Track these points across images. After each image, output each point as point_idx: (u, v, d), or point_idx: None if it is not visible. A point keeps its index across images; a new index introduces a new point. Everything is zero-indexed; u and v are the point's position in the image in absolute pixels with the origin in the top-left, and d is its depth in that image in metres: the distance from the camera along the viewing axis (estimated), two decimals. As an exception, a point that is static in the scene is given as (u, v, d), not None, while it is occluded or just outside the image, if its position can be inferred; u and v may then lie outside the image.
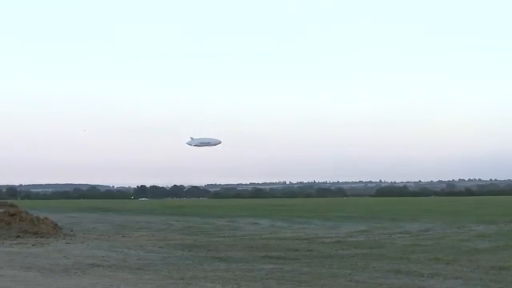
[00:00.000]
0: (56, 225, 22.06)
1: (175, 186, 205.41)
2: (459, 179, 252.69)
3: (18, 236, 19.11)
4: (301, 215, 37.12)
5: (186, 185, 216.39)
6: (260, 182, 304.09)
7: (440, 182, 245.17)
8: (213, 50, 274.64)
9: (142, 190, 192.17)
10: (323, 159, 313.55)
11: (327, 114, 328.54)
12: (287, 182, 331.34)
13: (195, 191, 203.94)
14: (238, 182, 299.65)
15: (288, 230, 24.07)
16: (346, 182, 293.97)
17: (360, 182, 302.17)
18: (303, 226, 26.22)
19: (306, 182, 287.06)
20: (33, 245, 16.91)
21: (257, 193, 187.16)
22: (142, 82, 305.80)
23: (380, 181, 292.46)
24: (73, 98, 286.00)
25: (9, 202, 23.41)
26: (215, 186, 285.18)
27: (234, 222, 30.43)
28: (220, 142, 66.95)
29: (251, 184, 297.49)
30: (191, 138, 66.54)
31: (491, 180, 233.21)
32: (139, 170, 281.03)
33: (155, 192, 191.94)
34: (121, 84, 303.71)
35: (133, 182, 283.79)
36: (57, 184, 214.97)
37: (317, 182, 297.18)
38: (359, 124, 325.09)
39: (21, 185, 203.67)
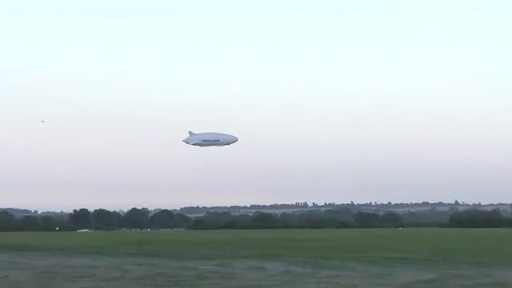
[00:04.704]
0: None
1: (135, 209, 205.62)
2: None
3: None
4: (331, 256, 36.89)
5: (151, 208, 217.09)
6: (267, 205, 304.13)
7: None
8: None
9: (81, 217, 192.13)
10: (365, 169, 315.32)
11: (370, 102, 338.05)
12: (309, 204, 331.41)
13: (166, 218, 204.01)
14: (233, 204, 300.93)
15: (311, 278, 24.05)
16: (401, 205, 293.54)
17: (424, 203, 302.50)
18: (335, 273, 26.10)
19: (338, 203, 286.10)
20: None
21: (262, 220, 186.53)
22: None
23: (456, 202, 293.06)
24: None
25: None
26: (197, 209, 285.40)
27: (226, 266, 30.46)
28: (236, 140, 67.51)
29: (253, 207, 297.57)
30: (190, 134, 67.04)
31: None
32: (78, 185, 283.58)
33: (102, 219, 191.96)
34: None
35: (67, 205, 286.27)
36: None
37: (356, 203, 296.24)
38: (420, 114, 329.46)
39: None
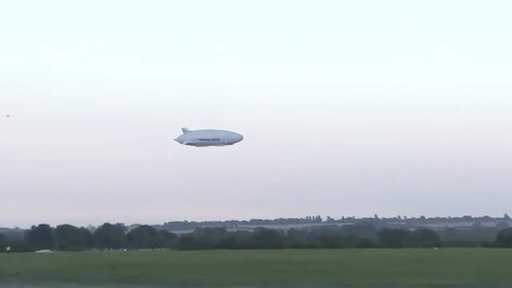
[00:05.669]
0: None
1: (107, 225, 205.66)
2: None
3: None
4: (350, 282, 36.98)
5: (128, 223, 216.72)
6: (271, 219, 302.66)
7: None
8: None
9: (41, 235, 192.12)
10: (392, 176, 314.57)
11: (397, 100, 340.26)
12: (323, 219, 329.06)
13: (146, 236, 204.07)
14: (229, 219, 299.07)
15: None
16: (437, 219, 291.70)
17: (466, 218, 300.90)
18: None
19: (359, 217, 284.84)
20: None
21: (265, 238, 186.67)
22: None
23: (506, 217, 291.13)
24: None
25: None
26: (185, 225, 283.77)
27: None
28: (240, 139, 70.31)
29: (254, 221, 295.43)
30: (184, 131, 69.62)
31: None
32: (38, 195, 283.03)
33: (67, 237, 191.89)
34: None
35: (23, 219, 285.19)
36: None
37: (380, 217, 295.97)
38: (460, 112, 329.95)
39: None
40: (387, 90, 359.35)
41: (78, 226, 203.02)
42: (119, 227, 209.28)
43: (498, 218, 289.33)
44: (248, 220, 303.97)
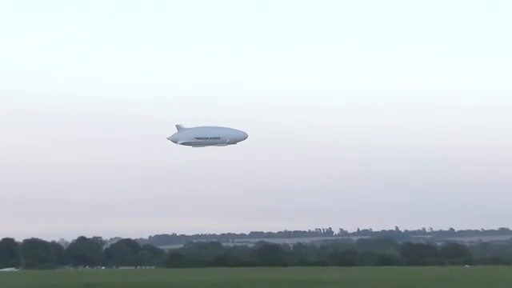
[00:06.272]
0: None
1: (83, 239, 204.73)
2: None
3: None
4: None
5: (107, 237, 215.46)
6: (274, 231, 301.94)
7: None
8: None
9: (5, 251, 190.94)
10: (415, 182, 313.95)
11: (421, 99, 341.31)
12: (335, 231, 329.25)
13: (128, 251, 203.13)
14: (225, 231, 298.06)
15: None
16: (468, 232, 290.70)
17: (502, 230, 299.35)
18: None
19: (376, 230, 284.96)
20: None
21: (267, 254, 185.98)
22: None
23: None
24: None
25: None
26: (174, 238, 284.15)
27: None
28: (245, 137, 71.16)
29: (255, 234, 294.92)
30: (178, 129, 70.42)
31: None
32: (1, 204, 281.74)
33: (36, 253, 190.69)
34: None
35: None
36: None
37: (402, 230, 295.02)
38: (493, 110, 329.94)
39: None
40: (405, 90, 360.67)
41: (49, 240, 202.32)
42: (96, 241, 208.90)
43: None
44: (247, 233, 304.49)
